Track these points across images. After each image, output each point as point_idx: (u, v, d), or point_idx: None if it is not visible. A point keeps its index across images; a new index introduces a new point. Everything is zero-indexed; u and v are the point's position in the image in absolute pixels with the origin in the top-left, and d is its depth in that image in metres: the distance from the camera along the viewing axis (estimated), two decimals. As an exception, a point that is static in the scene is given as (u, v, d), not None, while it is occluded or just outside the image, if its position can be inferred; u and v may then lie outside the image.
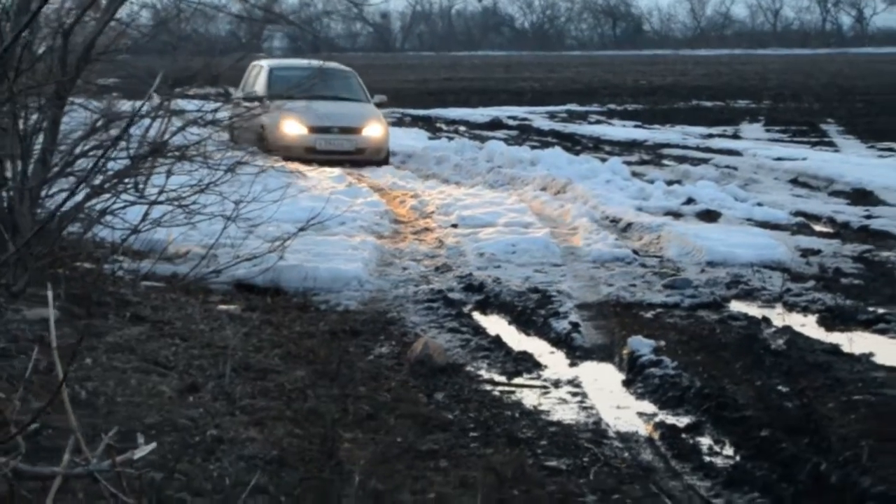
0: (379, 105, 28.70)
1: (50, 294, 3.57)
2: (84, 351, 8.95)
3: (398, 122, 38.69)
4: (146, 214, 11.99)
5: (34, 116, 11.32)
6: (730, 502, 7.57)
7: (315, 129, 26.48)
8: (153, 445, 3.57)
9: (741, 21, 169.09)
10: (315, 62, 25.96)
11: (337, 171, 24.33)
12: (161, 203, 12.08)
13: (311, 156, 25.93)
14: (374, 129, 27.10)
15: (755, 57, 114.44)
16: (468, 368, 10.40)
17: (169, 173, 11.93)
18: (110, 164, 11.55)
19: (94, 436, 4.91)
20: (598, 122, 39.87)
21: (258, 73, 28.49)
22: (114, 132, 11.57)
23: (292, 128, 26.32)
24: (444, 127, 39.83)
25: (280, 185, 14.51)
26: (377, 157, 26.92)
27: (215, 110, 13.02)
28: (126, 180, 11.74)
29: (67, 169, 11.51)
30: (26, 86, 10.30)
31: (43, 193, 11.22)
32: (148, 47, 13.85)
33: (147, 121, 11.95)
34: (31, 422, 3.09)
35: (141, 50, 13.84)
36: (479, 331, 11.70)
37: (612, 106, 48.11)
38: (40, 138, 11.35)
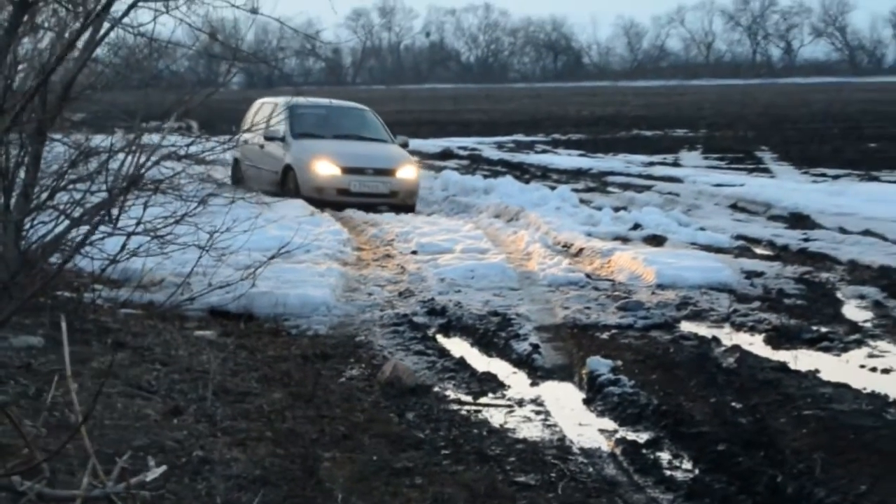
0: (403, 146, 25.78)
1: (63, 326, 3.62)
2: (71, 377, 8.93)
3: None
4: (124, 245, 11.97)
5: (15, 152, 11.31)
6: (691, 514, 7.62)
7: (349, 170, 23.74)
8: (164, 468, 3.60)
9: (676, 53, 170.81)
10: (332, 101, 26.79)
11: (298, 200, 22.91)
12: (138, 234, 12.05)
13: (345, 198, 23.36)
14: (408, 172, 24.31)
15: (690, 87, 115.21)
16: (436, 389, 10.44)
17: (146, 206, 11.91)
18: (89, 197, 11.56)
19: (86, 459, 4.93)
20: (544, 151, 40.02)
21: (272, 112, 24.98)
22: (91, 166, 11.59)
23: (325, 168, 23.72)
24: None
25: (249, 216, 14.48)
26: (409, 200, 23.99)
27: (188, 145, 13.00)
28: (102, 212, 11.74)
29: (48, 202, 11.50)
30: (10, 124, 10.31)
31: (26, 226, 11.21)
32: (121, 84, 13.81)
33: (122, 155, 11.94)
34: (58, 451, 3.14)
35: (115, 87, 13.80)
36: (443, 353, 11.74)
37: (557, 136, 48.30)
38: (22, 173, 11.33)
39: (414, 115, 67.73)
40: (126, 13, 11.41)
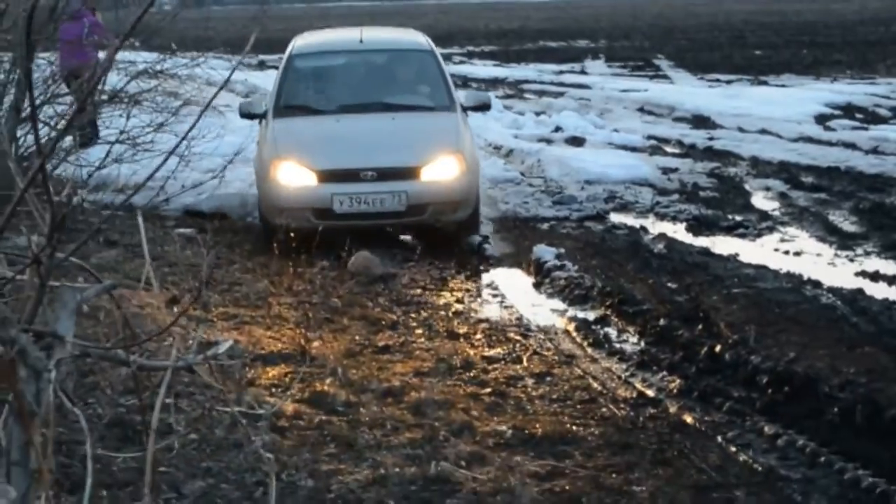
0: (476, 109, 13.21)
1: (140, 220, 3.74)
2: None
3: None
4: (108, 153, 12.02)
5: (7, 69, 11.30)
6: (645, 380, 7.90)
7: (331, 176, 11.73)
8: (231, 342, 3.78)
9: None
10: (364, 35, 13.97)
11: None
12: (119, 143, 12.11)
13: (326, 222, 11.53)
14: (446, 168, 11.86)
15: (584, 2, 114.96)
16: (401, 277, 10.62)
17: (128, 116, 11.96)
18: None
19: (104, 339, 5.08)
20: (461, 62, 39.88)
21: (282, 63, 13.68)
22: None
23: (291, 175, 11.83)
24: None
25: (217, 125, 14.48)
26: (448, 217, 11.84)
27: (161, 61, 13.00)
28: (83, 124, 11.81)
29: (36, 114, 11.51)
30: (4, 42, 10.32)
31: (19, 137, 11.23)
32: (99, 5, 13.79)
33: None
34: (163, 331, 3.30)
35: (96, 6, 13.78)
36: (404, 245, 11.92)
37: (471, 48, 48.11)
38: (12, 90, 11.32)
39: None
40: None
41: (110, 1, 13.64)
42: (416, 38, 14.21)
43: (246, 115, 12.91)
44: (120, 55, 14.06)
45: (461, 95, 13.16)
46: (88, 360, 3.81)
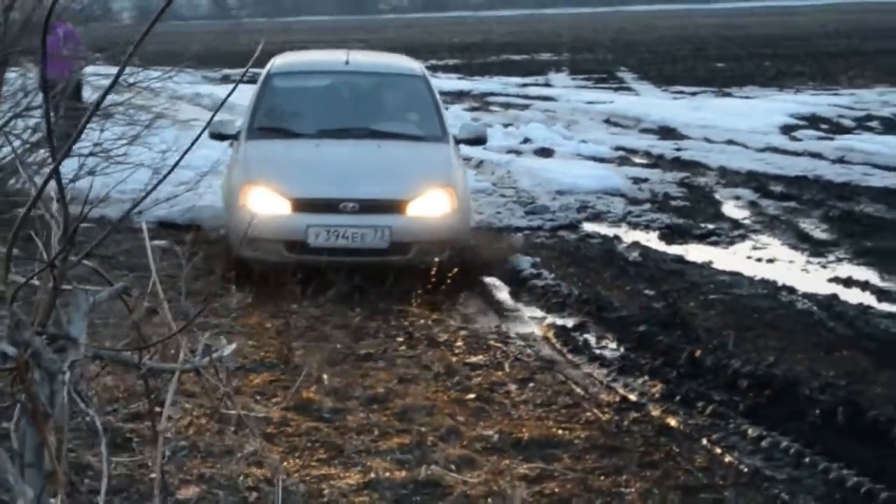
0: (471, 143, 12.13)
1: (144, 227, 3.79)
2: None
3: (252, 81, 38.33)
4: (81, 165, 12.01)
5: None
6: (626, 385, 7.96)
7: (306, 205, 10.56)
8: (235, 345, 3.86)
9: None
10: (350, 57, 12.58)
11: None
12: (92, 155, 12.11)
13: (301, 257, 10.44)
14: (435, 203, 10.70)
15: (545, 16, 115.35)
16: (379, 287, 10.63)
17: (101, 129, 11.96)
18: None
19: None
20: (426, 75, 40.01)
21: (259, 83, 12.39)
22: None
23: (263, 202, 10.61)
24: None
25: (190, 137, 14.49)
26: (434, 255, 10.47)
27: (133, 74, 13.00)
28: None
29: (6, 128, 11.50)
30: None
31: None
32: (72, 19, 13.76)
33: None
34: (183, 327, 3.35)
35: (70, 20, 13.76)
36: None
37: (434, 61, 48.24)
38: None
39: (302, 45, 67.22)
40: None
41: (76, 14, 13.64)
42: (406, 62, 13.10)
43: (216, 135, 11.49)
44: (91, 69, 14.16)
45: (455, 127, 12.10)
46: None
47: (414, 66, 12.76)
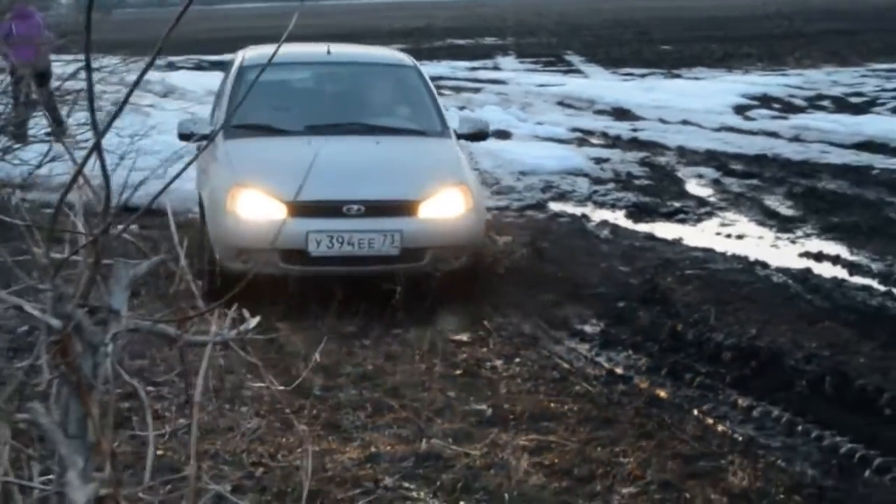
0: (471, 138, 10.93)
1: (169, 207, 3.83)
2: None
3: (198, 67, 38.19)
4: (48, 152, 11.97)
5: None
6: (611, 359, 8.04)
7: (305, 209, 9.17)
8: (258, 318, 3.90)
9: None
10: (331, 49, 11.54)
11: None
12: (59, 142, 12.07)
13: (298, 267, 9.31)
14: (450, 203, 9.60)
15: (488, 1, 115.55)
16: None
17: (68, 115, 11.95)
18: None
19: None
20: (372, 60, 39.90)
21: (227, 77, 11.33)
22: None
23: (254, 207, 9.42)
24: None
25: (158, 121, 14.45)
26: (451, 264, 9.50)
27: (96, 59, 12.96)
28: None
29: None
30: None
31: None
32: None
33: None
34: (220, 302, 3.39)
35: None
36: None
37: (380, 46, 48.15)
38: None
39: (239, 32, 66.79)
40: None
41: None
42: (392, 53, 12.24)
43: (186, 135, 10.28)
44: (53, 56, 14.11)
45: (454, 120, 10.96)
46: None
47: (402, 56, 11.84)
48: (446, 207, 9.48)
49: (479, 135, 10.73)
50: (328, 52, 11.33)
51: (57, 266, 3.28)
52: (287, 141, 10.05)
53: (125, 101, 3.18)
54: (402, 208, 9.35)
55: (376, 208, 9.25)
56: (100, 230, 3.37)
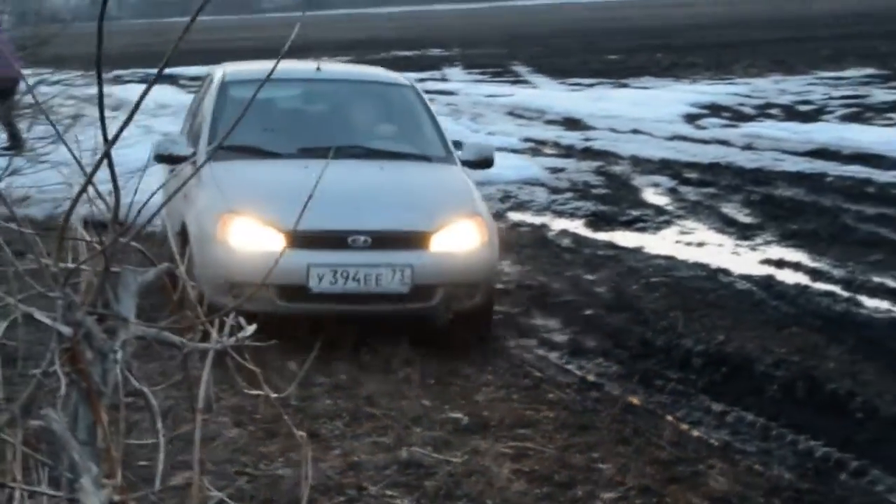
0: (476, 166, 9.70)
1: (166, 218, 3.86)
2: None
3: (144, 81, 38.00)
4: (8, 165, 11.95)
5: None
6: (581, 367, 8.10)
7: (306, 239, 8.22)
8: (255, 326, 3.95)
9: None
10: (321, 66, 10.51)
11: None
12: (20, 155, 12.08)
13: (297, 305, 8.37)
14: (464, 236, 8.65)
15: (432, 12, 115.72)
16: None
17: (29, 128, 11.95)
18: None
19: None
20: (319, 72, 39.84)
21: (206, 94, 10.41)
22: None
23: (247, 236, 8.45)
24: (188, 84, 39.24)
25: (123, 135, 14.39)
26: (463, 304, 8.57)
27: (51, 73, 12.99)
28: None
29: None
30: None
31: None
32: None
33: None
34: (225, 312, 3.44)
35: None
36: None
37: (325, 59, 48.08)
38: None
39: (189, 45, 66.48)
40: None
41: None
42: (387, 72, 11.21)
43: (164, 157, 9.12)
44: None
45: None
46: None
47: (397, 75, 10.99)
48: (460, 241, 8.59)
49: (483, 162, 9.69)
50: (317, 69, 10.32)
51: (66, 274, 3.30)
52: (280, 164, 9.26)
53: (134, 111, 3.22)
54: (412, 240, 8.50)
55: (384, 240, 8.42)
56: (111, 239, 3.40)
